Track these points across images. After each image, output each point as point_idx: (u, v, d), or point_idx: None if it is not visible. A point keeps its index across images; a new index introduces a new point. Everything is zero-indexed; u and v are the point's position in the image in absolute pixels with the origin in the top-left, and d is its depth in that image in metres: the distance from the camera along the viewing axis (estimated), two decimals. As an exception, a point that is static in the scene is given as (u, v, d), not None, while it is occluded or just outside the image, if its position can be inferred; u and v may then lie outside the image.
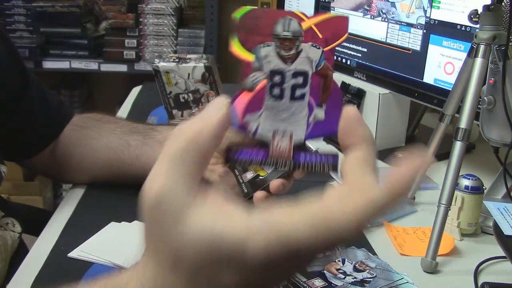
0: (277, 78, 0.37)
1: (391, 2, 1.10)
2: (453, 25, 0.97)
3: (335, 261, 0.71)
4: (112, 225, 0.80)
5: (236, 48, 0.37)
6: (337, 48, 0.38)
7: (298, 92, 0.37)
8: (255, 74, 0.37)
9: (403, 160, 0.33)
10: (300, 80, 0.37)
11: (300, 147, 0.38)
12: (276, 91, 0.37)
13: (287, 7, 1.45)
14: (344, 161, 0.35)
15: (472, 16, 0.80)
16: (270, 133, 0.38)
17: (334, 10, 1.24)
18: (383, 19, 1.12)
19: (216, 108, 0.36)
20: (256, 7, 0.38)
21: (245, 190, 0.63)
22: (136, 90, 1.56)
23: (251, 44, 0.37)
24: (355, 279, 0.69)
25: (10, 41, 0.90)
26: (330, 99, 0.38)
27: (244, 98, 0.37)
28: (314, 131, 0.38)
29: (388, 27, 1.11)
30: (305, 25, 0.37)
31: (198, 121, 0.35)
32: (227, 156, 0.38)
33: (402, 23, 1.08)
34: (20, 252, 0.91)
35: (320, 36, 0.37)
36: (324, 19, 0.37)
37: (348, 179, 0.34)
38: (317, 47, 0.37)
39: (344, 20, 0.38)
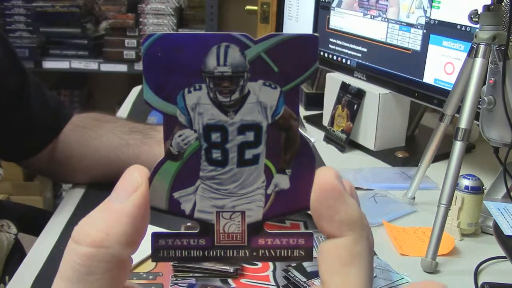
0: (215, 137, 0.27)
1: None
2: (453, 25, 0.97)
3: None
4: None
5: (149, 98, 0.26)
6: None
7: (249, 154, 0.27)
8: (183, 133, 0.26)
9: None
10: (250, 136, 0.27)
11: (258, 229, 0.27)
12: (216, 154, 0.27)
13: (287, 7, 1.44)
14: (321, 248, 0.26)
15: (472, 16, 0.80)
16: (212, 213, 0.27)
17: (334, 10, 1.24)
18: (383, 19, 1.12)
19: (128, 192, 0.25)
20: (171, 32, 0.26)
21: None
22: (136, 90, 1.56)
23: (170, 89, 0.26)
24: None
25: (9, 42, 0.90)
26: (297, 160, 0.27)
27: (170, 169, 0.27)
28: (276, 206, 0.27)
29: (388, 27, 1.11)
30: (251, 53, 0.26)
31: (102, 216, 0.25)
32: (153, 250, 0.27)
33: (402, 23, 1.08)
34: (15, 254, 0.92)
35: (276, 69, 0.26)
36: (280, 42, 0.26)
37: (324, 278, 0.25)
38: (272, 86, 0.26)
39: (310, 41, 0.26)
